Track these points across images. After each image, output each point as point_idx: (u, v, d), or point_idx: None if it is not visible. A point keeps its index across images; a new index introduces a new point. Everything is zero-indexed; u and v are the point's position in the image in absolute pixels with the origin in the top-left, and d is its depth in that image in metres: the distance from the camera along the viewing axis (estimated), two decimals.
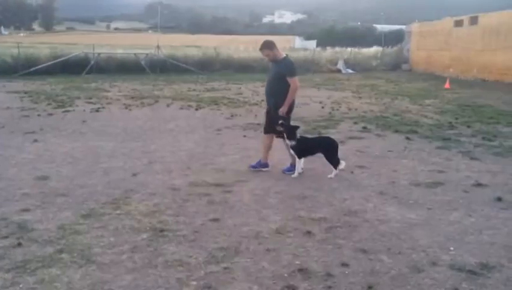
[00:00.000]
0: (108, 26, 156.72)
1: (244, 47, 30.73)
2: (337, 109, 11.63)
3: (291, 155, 5.94)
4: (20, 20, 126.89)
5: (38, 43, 38.23)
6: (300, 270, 3.29)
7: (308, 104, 12.73)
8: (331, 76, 23.78)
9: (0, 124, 8.77)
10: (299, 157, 5.81)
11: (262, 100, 13.17)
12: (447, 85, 17.88)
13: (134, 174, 5.72)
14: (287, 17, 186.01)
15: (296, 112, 11.03)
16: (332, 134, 8.37)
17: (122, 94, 14.03)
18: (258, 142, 7.70)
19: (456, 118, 10.31)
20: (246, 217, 4.34)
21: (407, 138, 8.11)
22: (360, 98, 14.27)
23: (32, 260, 3.37)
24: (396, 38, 40.29)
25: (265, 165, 6.06)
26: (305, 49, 37.48)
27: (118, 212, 4.41)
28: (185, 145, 7.48)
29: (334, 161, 5.79)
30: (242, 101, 12.95)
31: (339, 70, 27.23)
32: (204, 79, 19.80)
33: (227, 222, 4.22)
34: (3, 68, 19.66)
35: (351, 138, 8.15)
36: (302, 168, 5.86)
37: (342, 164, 5.82)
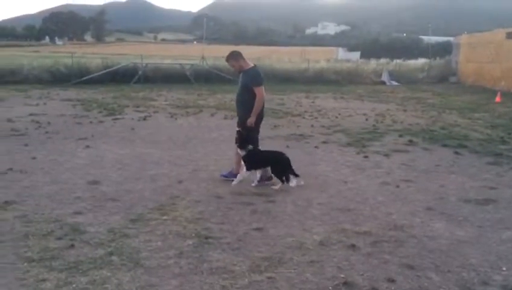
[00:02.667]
0: (155, 37, 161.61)
1: (287, 58, 30.83)
2: (382, 122, 11.43)
3: (236, 163, 5.90)
4: (73, 31, 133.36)
5: (90, 54, 40.00)
6: (345, 283, 3.25)
7: (352, 116, 12.59)
8: (375, 88, 23.39)
9: (55, 130, 9.22)
10: (248, 169, 5.74)
11: (306, 111, 13.21)
12: (498, 98, 17.18)
13: (179, 182, 5.86)
14: (331, 28, 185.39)
15: (340, 123, 11.05)
16: (377, 147, 8.27)
17: (168, 103, 14.41)
18: (300, 153, 7.73)
19: (509, 133, 9.88)
20: (289, 228, 4.35)
21: (456, 153, 7.86)
22: (406, 110, 13.96)
23: (84, 261, 3.52)
24: (443, 50, 39.20)
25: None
26: (348, 61, 37.21)
27: (164, 218, 4.53)
28: (229, 154, 7.55)
29: (282, 177, 5.65)
30: (284, 112, 12.97)
31: (383, 82, 26.75)
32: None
33: (271, 232, 4.23)
34: (58, 77, 20.65)
35: (396, 151, 7.99)
36: (254, 181, 5.79)
37: (296, 181, 5.65)
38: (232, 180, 5.83)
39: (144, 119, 11.12)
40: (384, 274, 3.40)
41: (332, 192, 5.56)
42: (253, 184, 5.76)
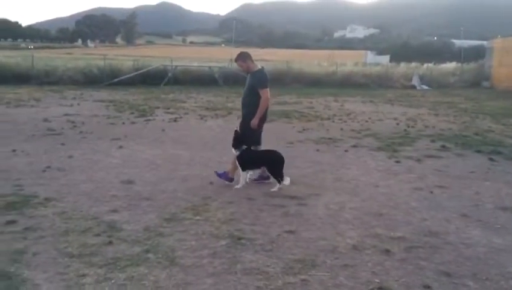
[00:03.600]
0: (184, 40, 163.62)
1: (317, 61, 30.71)
2: (413, 126, 11.26)
3: (233, 163, 5.86)
4: (104, 34, 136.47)
5: (121, 56, 40.86)
6: (380, 289, 3.23)
7: (382, 119, 12.45)
8: (405, 92, 23.04)
9: (89, 130, 9.47)
10: (243, 170, 5.72)
11: (335, 115, 13.13)
12: None
13: (211, 183, 5.93)
14: (359, 31, 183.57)
15: (370, 127, 10.94)
16: (409, 152, 8.16)
17: (197, 105, 14.59)
18: (330, 157, 7.70)
19: None
20: (322, 231, 4.34)
21: (491, 159, 7.67)
22: (437, 115, 13.71)
23: (122, 258, 3.61)
24: (476, 54, 38.17)
25: (230, 180, 5.90)
26: (377, 64, 36.71)
27: (197, 218, 4.60)
28: None
29: (278, 176, 5.66)
30: (314, 115, 12.94)
31: (414, 87, 26.32)
32: (275, 92, 20.02)
33: (303, 235, 4.24)
34: (90, 78, 21.21)
35: (428, 156, 7.85)
36: (247, 180, 5.82)
37: (287, 180, 5.65)
38: (226, 182, 5.85)
39: (175, 120, 11.29)
40: (420, 281, 3.36)
41: (364, 196, 5.52)
42: (237, 187, 5.73)
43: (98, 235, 4.06)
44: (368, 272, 3.48)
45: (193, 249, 3.83)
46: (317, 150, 8.27)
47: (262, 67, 6.02)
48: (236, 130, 5.85)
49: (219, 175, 6.02)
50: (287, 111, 13.69)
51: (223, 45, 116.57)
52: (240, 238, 4.09)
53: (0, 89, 17.20)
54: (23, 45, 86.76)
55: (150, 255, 3.68)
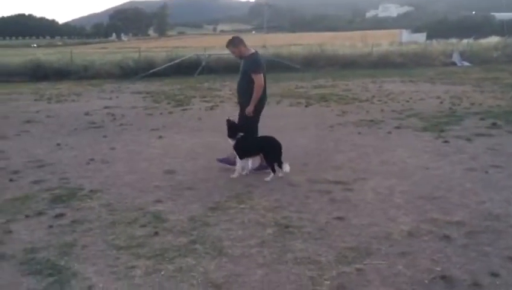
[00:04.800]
0: (214, 29, 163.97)
1: (350, 43, 29.97)
2: (458, 104, 10.74)
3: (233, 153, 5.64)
4: (137, 27, 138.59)
5: (154, 48, 41.25)
6: (443, 277, 3.02)
7: (424, 99, 11.96)
8: (445, 70, 22.13)
9: (129, 122, 9.55)
10: (241, 158, 5.49)
11: (373, 96, 12.73)
12: None
13: (252, 170, 5.81)
14: (392, 10, 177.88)
15: (412, 107, 10.52)
16: (457, 131, 7.77)
17: (232, 93, 14.45)
18: (374, 139, 7.43)
19: None
20: (373, 217, 4.14)
21: None
22: (483, 92, 13.05)
23: (169, 249, 3.55)
24: None
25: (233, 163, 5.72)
26: (414, 43, 35.46)
27: (242, 206, 4.50)
28: (299, 141, 7.44)
29: (275, 163, 5.38)
30: (351, 98, 12.58)
31: (454, 63, 25.26)
32: (310, 76, 19.68)
33: (353, 221, 4.06)
34: (126, 71, 21.48)
35: (479, 135, 7.44)
36: (245, 169, 5.58)
37: (286, 167, 5.38)
38: (229, 168, 5.71)
39: (211, 109, 11.24)
40: (486, 267, 3.13)
41: (414, 179, 5.26)
42: (244, 172, 5.58)
43: (144, 226, 4.03)
44: (428, 260, 3.28)
45: (240, 239, 3.73)
46: (359, 133, 8.00)
47: (256, 51, 5.71)
48: (228, 119, 5.65)
49: (220, 161, 5.93)
50: (324, 94, 13.39)
51: (253, 32, 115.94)
52: (287, 227, 3.96)
53: (41, 86, 17.69)
54: (60, 43, 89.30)
55: (197, 245, 3.61)
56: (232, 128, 5.55)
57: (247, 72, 5.48)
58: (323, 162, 6.17)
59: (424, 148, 6.75)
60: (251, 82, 5.44)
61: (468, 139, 7.13)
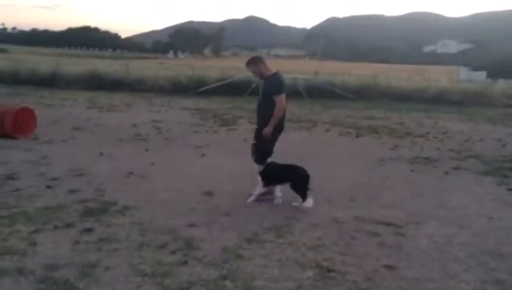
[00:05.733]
0: (268, 53, 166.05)
1: (406, 76, 29.16)
2: None
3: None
4: (194, 46, 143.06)
5: (208, 66, 42.09)
6: None
7: (484, 140, 11.14)
8: (507, 111, 20.85)
9: (173, 137, 9.46)
10: (265, 185, 5.12)
11: (428, 132, 12.03)
12: None
13: (294, 204, 5.42)
14: (452, 46, 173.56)
15: (471, 148, 9.77)
16: None
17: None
18: (429, 179, 6.85)
19: None
20: (428, 270, 3.63)
21: None
22: None
23: (196, 283, 3.22)
24: None
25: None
26: (472, 81, 34.06)
27: (281, 241, 4.11)
28: (347, 173, 6.99)
29: (303, 193, 5.02)
30: (404, 132, 11.95)
31: None
32: (361, 106, 19.11)
33: (405, 273, 3.57)
34: (178, 87, 21.81)
35: None
36: (276, 197, 5.26)
37: (309, 202, 5.04)
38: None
39: None
40: None
41: (475, 229, 4.67)
42: (275, 201, 5.23)
43: (173, 252, 3.72)
44: None
45: (276, 279, 3.34)
46: (413, 171, 7.43)
47: (278, 71, 5.45)
48: (254, 143, 5.37)
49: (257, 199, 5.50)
50: (376, 126, 12.82)
51: (307, 58, 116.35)
52: (329, 270, 3.53)
53: (96, 94, 18.22)
54: (120, 56, 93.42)
55: (227, 282, 3.25)
56: (261, 153, 5.26)
57: (269, 93, 5.26)
58: (372, 198, 5.68)
59: (486, 194, 6.11)
60: (272, 103, 5.19)
61: None
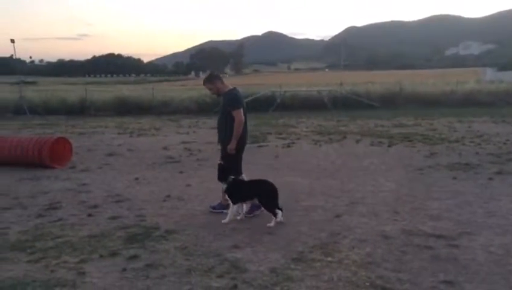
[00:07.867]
0: (288, 67, 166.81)
1: (432, 80, 28.65)
2: None
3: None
4: (214, 65, 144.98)
5: (230, 85, 42.42)
6: None
7: None
8: None
9: (205, 158, 9.46)
10: (233, 203, 4.97)
11: (463, 137, 11.69)
12: None
13: (337, 216, 5.29)
14: (474, 48, 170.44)
15: (511, 150, 9.40)
16: None
17: (309, 130, 14.09)
18: (473, 186, 6.59)
19: None
20: (491, 285, 3.43)
21: None
22: None
23: None
24: None
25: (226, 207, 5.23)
26: (501, 81, 33.09)
27: (329, 259, 3.98)
28: (386, 185, 6.80)
29: (272, 208, 4.83)
30: (439, 138, 11.63)
31: None
32: (389, 114, 18.79)
33: (467, 288, 3.38)
34: (203, 107, 22.00)
35: None
36: (240, 213, 5.18)
37: (279, 216, 4.88)
38: (221, 212, 5.27)
39: (288, 146, 10.89)
40: None
41: None
42: (224, 221, 5.03)
43: (221, 276, 3.64)
44: None
45: None
46: (454, 178, 7.17)
47: (235, 87, 5.46)
48: (219, 163, 5.27)
49: (213, 208, 5.51)
50: (407, 133, 12.54)
51: (326, 70, 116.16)
52: (385, 289, 3.38)
53: (125, 120, 18.52)
54: (143, 80, 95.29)
55: None
56: (223, 171, 5.19)
57: (227, 109, 5.26)
58: (417, 210, 5.49)
59: None
60: (231, 118, 5.20)
61: None
